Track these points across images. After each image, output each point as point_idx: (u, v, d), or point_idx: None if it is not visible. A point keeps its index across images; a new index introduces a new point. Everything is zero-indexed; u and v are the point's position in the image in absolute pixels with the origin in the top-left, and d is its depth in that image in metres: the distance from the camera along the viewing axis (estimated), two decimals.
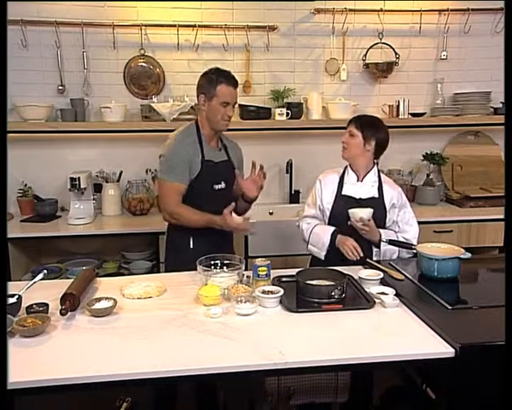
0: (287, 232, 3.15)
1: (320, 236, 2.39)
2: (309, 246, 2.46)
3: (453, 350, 1.52)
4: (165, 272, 2.51)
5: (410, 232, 2.44)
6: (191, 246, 2.42)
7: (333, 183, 2.47)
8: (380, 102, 3.79)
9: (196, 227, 2.34)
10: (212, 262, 2.07)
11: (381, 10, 3.65)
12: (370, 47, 3.71)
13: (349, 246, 2.28)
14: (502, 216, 1.95)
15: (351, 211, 2.30)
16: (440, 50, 3.79)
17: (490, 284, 2.14)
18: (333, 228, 2.38)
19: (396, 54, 3.70)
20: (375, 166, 2.47)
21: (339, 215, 2.39)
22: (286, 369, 1.51)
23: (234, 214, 2.24)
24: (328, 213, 2.44)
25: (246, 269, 2.12)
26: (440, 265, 2.01)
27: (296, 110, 3.58)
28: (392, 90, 3.78)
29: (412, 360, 1.57)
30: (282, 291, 1.89)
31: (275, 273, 2.10)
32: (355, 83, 3.78)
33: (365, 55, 3.72)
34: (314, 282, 1.96)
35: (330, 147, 3.22)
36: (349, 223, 2.32)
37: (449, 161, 3.83)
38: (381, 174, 2.50)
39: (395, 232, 2.43)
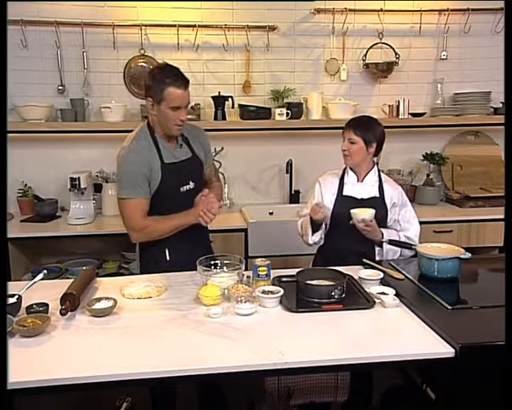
0: (287, 232, 3.14)
1: (306, 222, 2.44)
2: (303, 237, 2.49)
3: (453, 350, 1.52)
4: None
5: (412, 231, 2.44)
6: (167, 258, 2.29)
7: (333, 184, 2.46)
8: (380, 102, 3.79)
9: (172, 233, 2.19)
10: (212, 262, 2.07)
11: (381, 10, 3.65)
12: (370, 47, 3.71)
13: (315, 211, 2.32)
14: (502, 216, 1.94)
15: (352, 211, 2.29)
16: (440, 50, 3.79)
17: (490, 284, 2.14)
18: None
19: (396, 54, 3.70)
20: (375, 166, 2.47)
21: (340, 215, 2.38)
22: (286, 369, 1.50)
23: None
24: (329, 214, 2.43)
25: (246, 269, 2.12)
26: (440, 265, 2.01)
27: (296, 110, 3.57)
28: (392, 90, 3.78)
29: (412, 360, 1.57)
30: (282, 291, 1.88)
31: (275, 273, 2.10)
32: (355, 83, 3.78)
33: (365, 55, 3.72)
34: (314, 282, 1.96)
35: (330, 147, 3.22)
36: (351, 222, 2.32)
37: (449, 161, 3.83)
38: (382, 174, 2.50)
39: (397, 231, 2.43)
